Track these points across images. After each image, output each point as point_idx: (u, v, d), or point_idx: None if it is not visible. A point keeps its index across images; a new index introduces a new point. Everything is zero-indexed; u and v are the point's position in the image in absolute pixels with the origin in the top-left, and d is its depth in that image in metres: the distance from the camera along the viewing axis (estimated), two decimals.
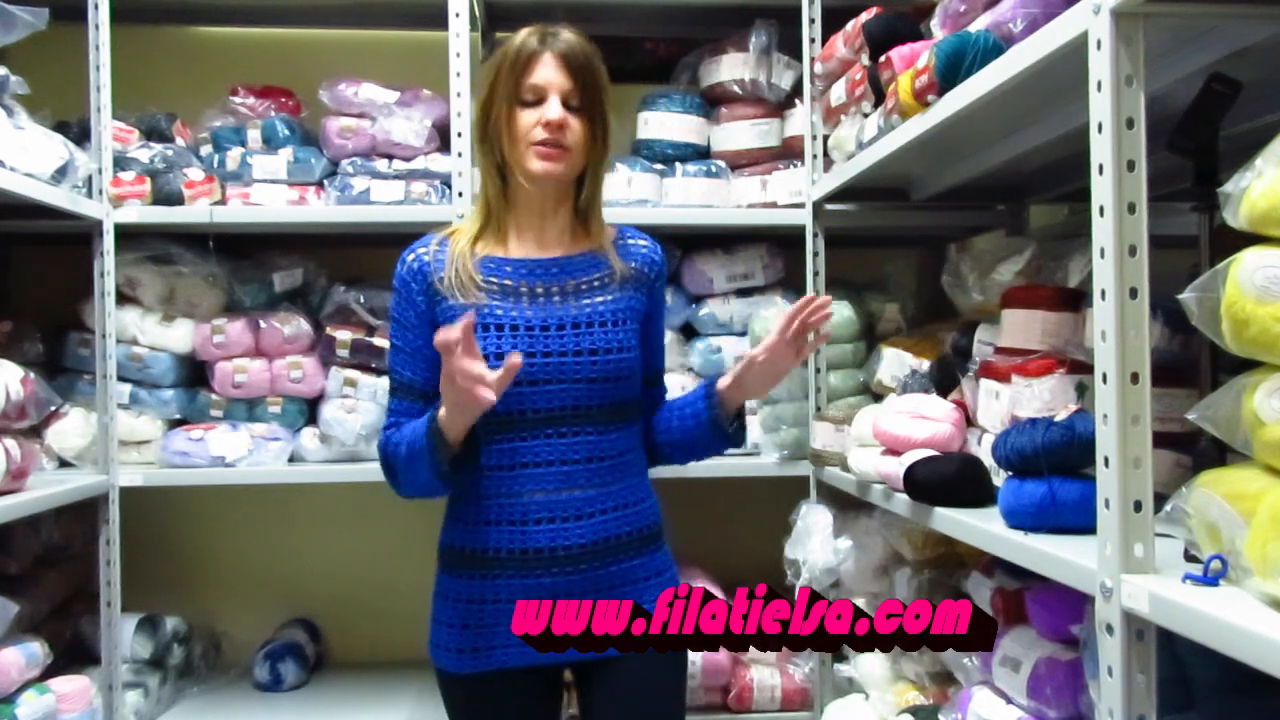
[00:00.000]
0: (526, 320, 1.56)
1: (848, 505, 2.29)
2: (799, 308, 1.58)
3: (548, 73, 1.56)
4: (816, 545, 2.20)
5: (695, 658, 2.57)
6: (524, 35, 1.58)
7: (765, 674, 2.62)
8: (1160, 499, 1.15)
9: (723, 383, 1.64)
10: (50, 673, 2.22)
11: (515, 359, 1.40)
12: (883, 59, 1.97)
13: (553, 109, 1.54)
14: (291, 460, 2.63)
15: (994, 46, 1.56)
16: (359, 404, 2.62)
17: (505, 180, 1.62)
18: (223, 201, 2.58)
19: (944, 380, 1.97)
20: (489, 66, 1.63)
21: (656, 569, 1.64)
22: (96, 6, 2.44)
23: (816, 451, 2.37)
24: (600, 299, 1.61)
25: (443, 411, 1.46)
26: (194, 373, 2.73)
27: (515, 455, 1.55)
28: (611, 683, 1.59)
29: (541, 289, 1.60)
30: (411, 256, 1.63)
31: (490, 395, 1.37)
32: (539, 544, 1.55)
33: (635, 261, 1.67)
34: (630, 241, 1.69)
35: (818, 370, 2.53)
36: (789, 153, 2.68)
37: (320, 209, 2.59)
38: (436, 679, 1.64)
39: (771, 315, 2.57)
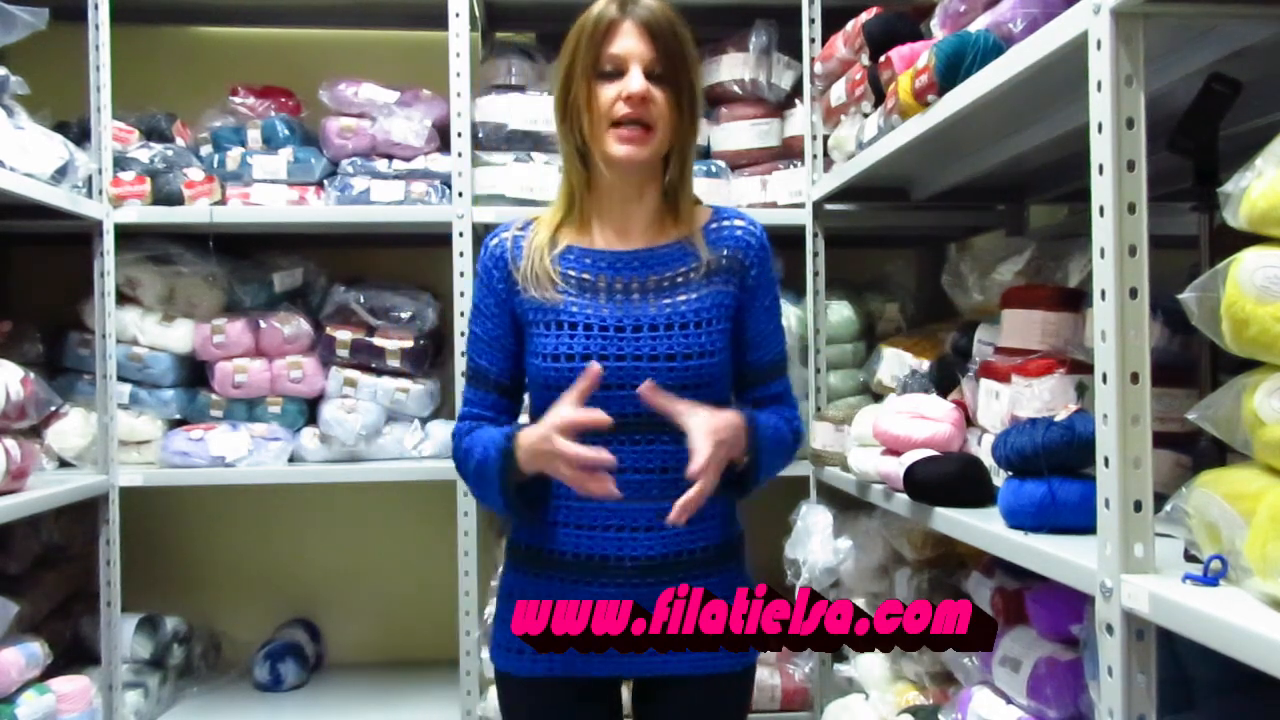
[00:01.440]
0: (602, 320, 1.49)
1: (848, 505, 2.29)
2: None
3: (629, 42, 1.46)
4: (816, 545, 2.19)
5: None
6: (601, 4, 1.49)
7: (765, 674, 2.62)
8: (1160, 499, 1.15)
9: None
10: (50, 673, 2.23)
11: (595, 369, 1.38)
12: (883, 59, 1.97)
13: (635, 81, 1.45)
14: (291, 460, 2.63)
15: (994, 46, 1.56)
16: (359, 404, 2.62)
17: (587, 164, 1.52)
18: (223, 201, 2.58)
19: (944, 380, 1.97)
20: (565, 43, 1.52)
21: (732, 588, 1.55)
22: (96, 6, 2.44)
23: (816, 451, 2.37)
24: (683, 297, 1.50)
25: (526, 441, 1.41)
26: (194, 373, 2.73)
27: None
28: (672, 705, 1.54)
29: (621, 285, 1.51)
30: (495, 242, 1.56)
31: (604, 486, 1.36)
32: (605, 551, 1.49)
33: (728, 247, 1.54)
34: (725, 224, 1.57)
35: (818, 370, 2.53)
36: (789, 153, 2.68)
37: (320, 209, 2.59)
38: (496, 682, 1.59)
39: None
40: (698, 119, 1.54)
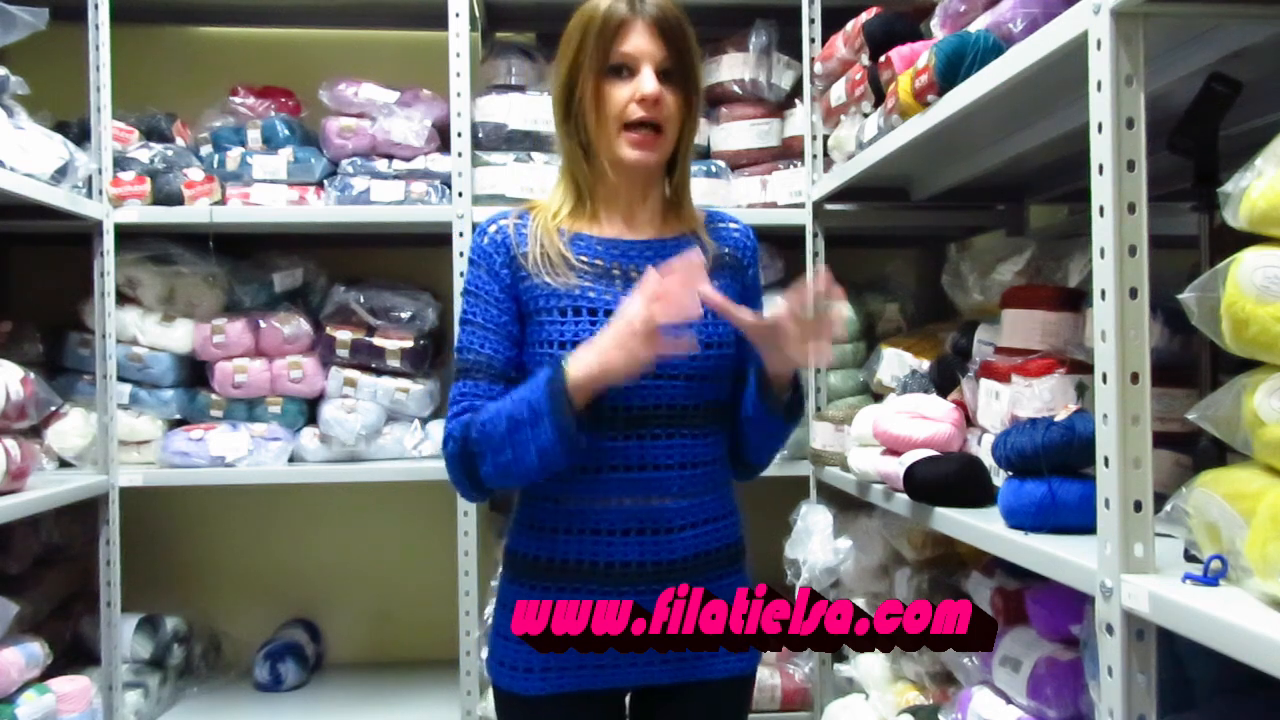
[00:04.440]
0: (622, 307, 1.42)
1: (848, 505, 2.29)
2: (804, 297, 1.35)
3: (640, 41, 1.43)
4: (816, 545, 2.19)
5: None
6: (609, 1, 1.44)
7: (765, 674, 2.62)
8: (1160, 499, 1.15)
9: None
10: (50, 673, 2.23)
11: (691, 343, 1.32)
12: (883, 59, 1.97)
13: (648, 82, 1.42)
14: (291, 460, 2.63)
15: (994, 46, 1.56)
16: (359, 404, 2.63)
17: (590, 161, 1.49)
18: (223, 201, 2.58)
19: (944, 380, 1.97)
20: (568, 37, 1.48)
21: (744, 588, 1.55)
22: (96, 6, 2.44)
23: (816, 451, 2.37)
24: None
25: (582, 368, 1.33)
26: (194, 373, 2.73)
27: (601, 457, 1.42)
28: (672, 714, 1.51)
29: (636, 273, 1.45)
30: (494, 228, 1.49)
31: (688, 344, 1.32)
32: (626, 558, 1.44)
33: (728, 246, 1.55)
34: (721, 225, 1.57)
35: (818, 370, 2.53)
36: (789, 153, 2.68)
37: (320, 209, 2.59)
38: (494, 698, 1.53)
39: None
40: (699, 116, 1.54)
